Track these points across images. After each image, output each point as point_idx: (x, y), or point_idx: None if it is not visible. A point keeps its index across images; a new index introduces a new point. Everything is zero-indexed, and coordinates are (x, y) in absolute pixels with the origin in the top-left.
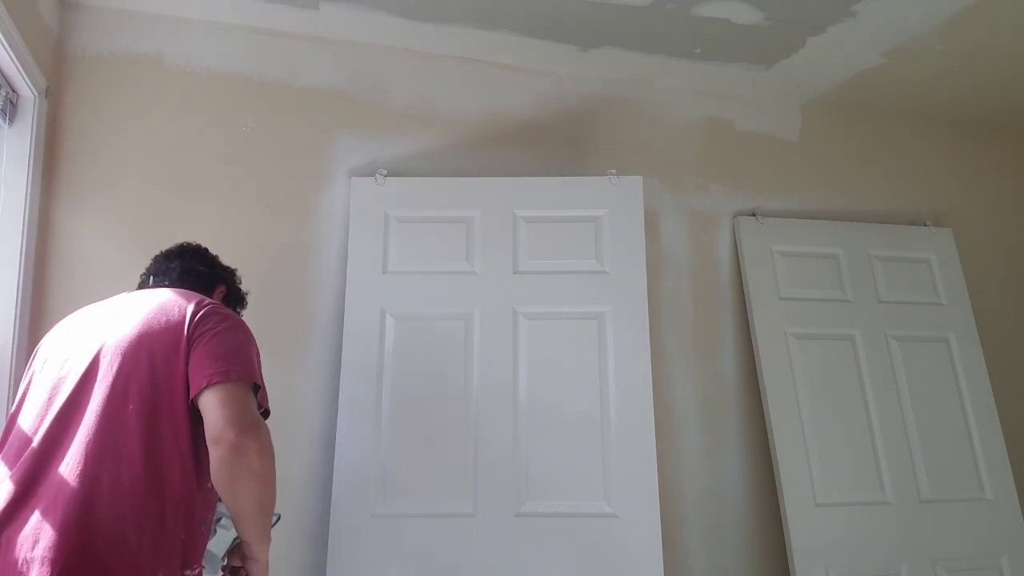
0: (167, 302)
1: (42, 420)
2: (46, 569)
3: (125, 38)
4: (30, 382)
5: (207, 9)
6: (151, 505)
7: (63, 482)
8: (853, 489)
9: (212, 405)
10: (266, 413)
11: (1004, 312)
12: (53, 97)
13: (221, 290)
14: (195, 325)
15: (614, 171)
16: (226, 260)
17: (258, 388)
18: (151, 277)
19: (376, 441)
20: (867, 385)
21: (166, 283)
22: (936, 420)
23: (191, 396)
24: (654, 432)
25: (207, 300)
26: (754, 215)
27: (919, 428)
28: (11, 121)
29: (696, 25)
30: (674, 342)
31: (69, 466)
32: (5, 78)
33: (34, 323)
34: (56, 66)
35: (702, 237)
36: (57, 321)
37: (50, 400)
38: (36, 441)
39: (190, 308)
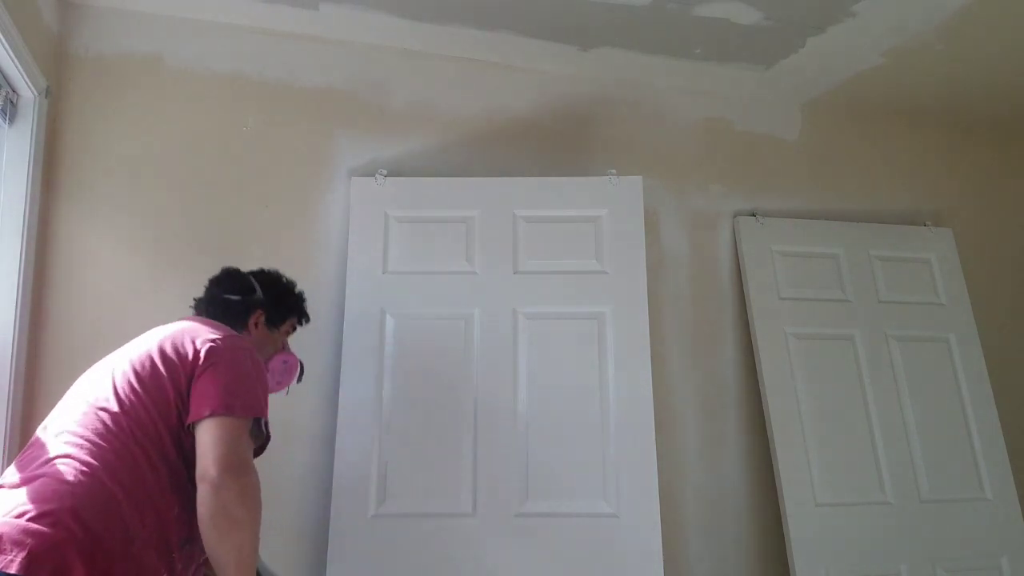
0: (179, 332)
1: (56, 433)
2: (19, 552)
3: (125, 38)
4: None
5: (207, 9)
6: (129, 519)
7: (51, 482)
8: (853, 489)
9: (205, 439)
10: (267, 439)
11: (1004, 312)
12: (53, 97)
13: (258, 316)
14: (196, 358)
15: (614, 171)
16: (226, 260)
17: (260, 422)
18: (197, 303)
19: (376, 441)
20: (867, 385)
21: (201, 310)
22: (936, 420)
23: (188, 421)
24: (654, 432)
25: (220, 336)
26: (754, 215)
27: (919, 428)
28: (11, 121)
29: (696, 25)
30: (674, 342)
31: (59, 470)
32: (5, 78)
33: (34, 323)
34: (56, 66)
35: (702, 237)
36: (56, 321)
37: (67, 416)
38: (47, 452)
39: (198, 341)
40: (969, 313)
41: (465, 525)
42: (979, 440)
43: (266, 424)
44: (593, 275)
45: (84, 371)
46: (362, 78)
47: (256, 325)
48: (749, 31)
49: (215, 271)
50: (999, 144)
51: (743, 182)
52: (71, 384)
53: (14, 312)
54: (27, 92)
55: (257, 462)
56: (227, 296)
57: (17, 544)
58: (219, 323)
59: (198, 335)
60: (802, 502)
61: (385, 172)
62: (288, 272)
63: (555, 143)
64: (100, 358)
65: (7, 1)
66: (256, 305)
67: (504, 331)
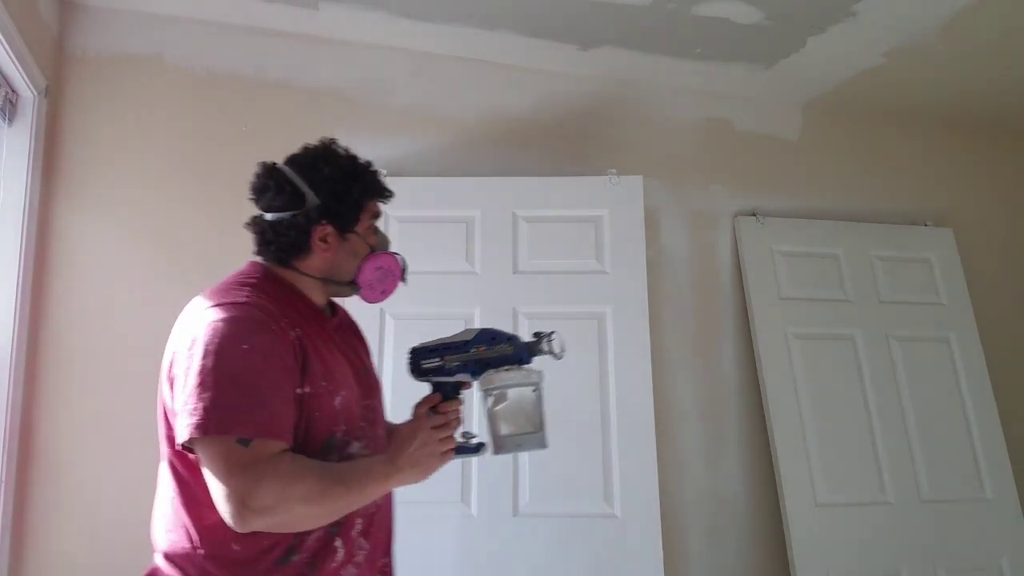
0: (177, 325)
1: None
2: None
3: (125, 38)
4: None
5: (207, 9)
6: (174, 536)
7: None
8: (853, 489)
9: (203, 467)
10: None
11: (1004, 312)
12: (53, 97)
13: (323, 231)
14: (172, 360)
15: (614, 171)
16: (225, 260)
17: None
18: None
19: None
20: (867, 385)
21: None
22: (936, 420)
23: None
24: (654, 432)
25: (200, 319)
26: (754, 215)
27: (919, 428)
28: (11, 121)
29: (696, 25)
30: (674, 342)
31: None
32: (5, 78)
33: (34, 323)
34: (56, 66)
35: (702, 237)
36: (56, 320)
37: None
38: None
39: (175, 335)
40: (969, 313)
41: (465, 525)
42: (979, 440)
43: (277, 426)
44: (593, 275)
45: (84, 371)
46: (362, 78)
47: (324, 240)
48: (749, 31)
49: (215, 271)
50: (999, 144)
51: (743, 182)
52: (71, 384)
53: (14, 312)
54: (27, 92)
55: None
56: (271, 219)
57: None
58: (221, 287)
59: (179, 327)
60: (802, 502)
61: (385, 172)
62: None
63: (555, 143)
64: (100, 358)
65: (7, 1)
66: (316, 217)
67: None
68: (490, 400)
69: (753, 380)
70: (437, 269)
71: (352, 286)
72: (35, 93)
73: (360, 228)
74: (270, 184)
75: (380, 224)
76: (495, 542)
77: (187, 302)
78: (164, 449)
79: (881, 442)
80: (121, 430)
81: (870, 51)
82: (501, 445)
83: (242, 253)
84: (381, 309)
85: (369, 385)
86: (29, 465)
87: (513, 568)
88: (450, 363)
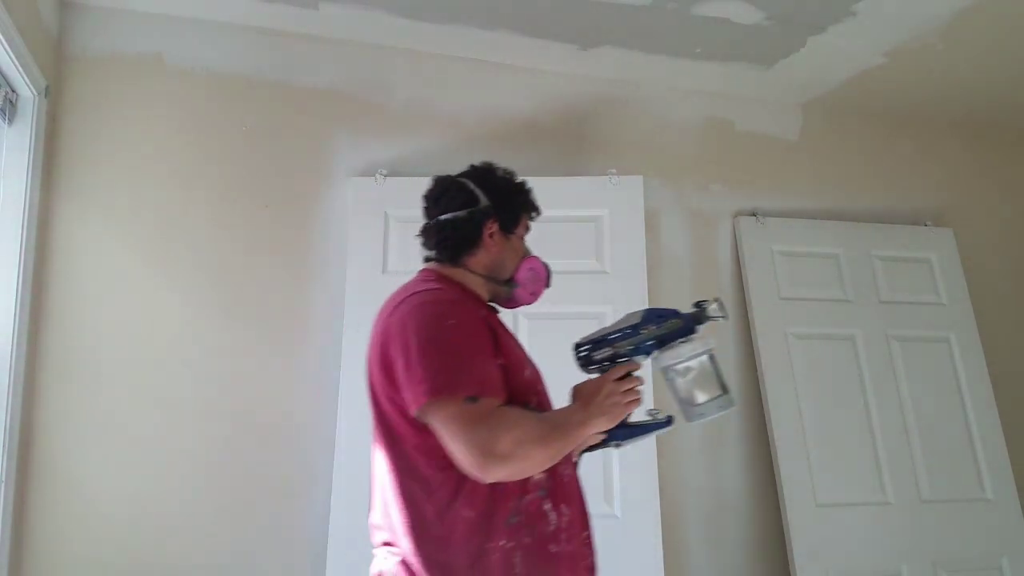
0: (382, 310)
1: None
2: None
3: (125, 38)
4: None
5: (207, 9)
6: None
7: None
8: (853, 489)
9: (441, 430)
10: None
11: (1004, 312)
12: (53, 97)
13: (491, 227)
14: (384, 347)
15: (614, 171)
16: (226, 261)
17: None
18: (423, 232)
19: None
20: (868, 385)
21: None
22: (937, 420)
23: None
24: None
25: (404, 299)
26: (754, 215)
27: (920, 428)
28: (11, 121)
29: (696, 25)
30: None
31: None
32: (5, 78)
33: (34, 323)
34: (56, 66)
35: (702, 237)
36: (56, 320)
37: None
38: None
39: (380, 329)
40: (970, 313)
41: None
42: (979, 440)
43: (492, 384)
44: (593, 275)
45: (84, 371)
46: (362, 78)
47: (492, 236)
48: (749, 31)
49: (214, 271)
50: (999, 144)
51: (743, 182)
52: (70, 384)
53: (14, 312)
54: (26, 92)
55: (254, 461)
56: (450, 216)
57: None
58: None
59: (385, 312)
60: (803, 502)
61: (385, 172)
62: (288, 272)
63: (555, 143)
64: (100, 357)
65: (7, 1)
66: (487, 215)
67: None
68: (676, 374)
69: (753, 380)
70: None
71: (510, 283)
72: (35, 93)
73: (516, 234)
74: (447, 191)
75: (381, 224)
76: None
77: (186, 301)
78: (383, 438)
79: (881, 442)
80: (121, 430)
81: (870, 51)
82: (698, 413)
83: (241, 252)
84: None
85: (536, 370)
86: (29, 465)
87: None
88: (623, 348)
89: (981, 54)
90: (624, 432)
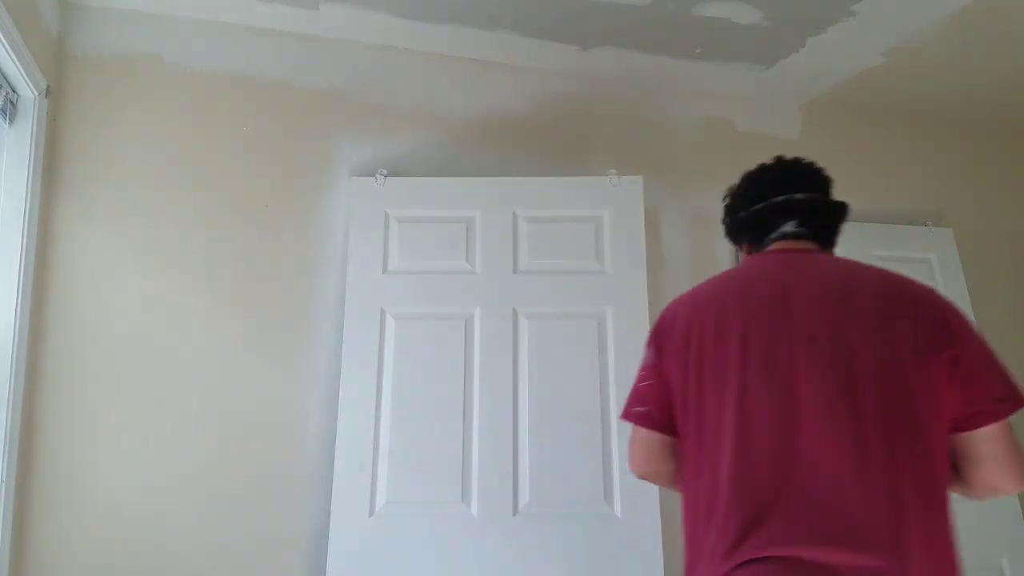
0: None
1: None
2: None
3: (125, 38)
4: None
5: (207, 9)
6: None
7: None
8: None
9: (980, 446)
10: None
11: (1004, 312)
12: (53, 97)
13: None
14: (964, 338)
15: (614, 171)
16: (226, 260)
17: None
18: (780, 220)
19: (376, 441)
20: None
21: (809, 240)
22: None
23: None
24: None
25: (922, 285)
26: None
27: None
28: (11, 121)
29: (696, 25)
30: None
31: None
32: (5, 78)
33: (34, 323)
34: (56, 66)
35: (702, 237)
36: (56, 320)
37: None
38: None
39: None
40: (969, 313)
41: (465, 525)
42: None
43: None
44: (593, 275)
45: (84, 371)
46: (362, 78)
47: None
48: (749, 31)
49: (214, 271)
50: (999, 144)
51: None
52: (71, 384)
53: (14, 312)
54: (27, 92)
55: (254, 461)
56: (836, 201)
57: None
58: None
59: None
60: None
61: (385, 172)
62: (288, 272)
63: (555, 143)
64: (100, 358)
65: (7, 1)
66: (846, 208)
67: (504, 331)
68: None
69: None
70: (437, 269)
71: None
72: (35, 93)
73: None
74: (816, 170)
75: (381, 224)
76: (495, 542)
77: (187, 300)
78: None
79: None
80: (122, 429)
81: (870, 51)
82: None
83: (240, 251)
84: (381, 309)
85: None
86: (30, 465)
87: (513, 568)
88: None
89: (981, 54)
90: None
